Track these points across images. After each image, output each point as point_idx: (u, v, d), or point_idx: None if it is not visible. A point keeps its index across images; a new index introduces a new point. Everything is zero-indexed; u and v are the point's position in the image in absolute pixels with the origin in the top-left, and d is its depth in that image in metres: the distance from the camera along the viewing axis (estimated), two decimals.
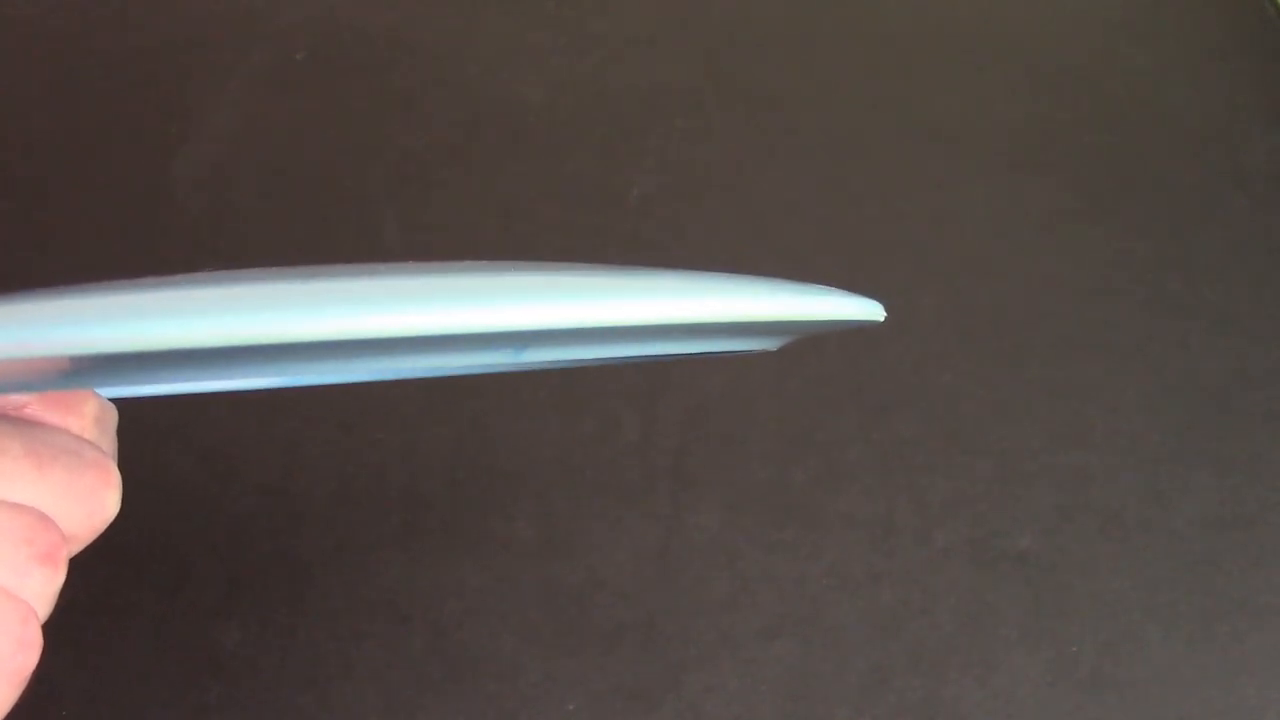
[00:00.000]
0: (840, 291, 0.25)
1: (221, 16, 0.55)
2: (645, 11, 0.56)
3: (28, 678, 0.22)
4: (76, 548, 0.24)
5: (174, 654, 0.38)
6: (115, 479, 0.24)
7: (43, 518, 0.22)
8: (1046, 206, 0.49)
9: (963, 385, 0.44)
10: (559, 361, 0.26)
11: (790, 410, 0.43)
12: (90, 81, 0.52)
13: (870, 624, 0.39)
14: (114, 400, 0.26)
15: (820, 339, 0.44)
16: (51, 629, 0.23)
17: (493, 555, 0.40)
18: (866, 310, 0.26)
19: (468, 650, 0.38)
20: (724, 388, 0.44)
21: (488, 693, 0.37)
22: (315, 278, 0.20)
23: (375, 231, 0.48)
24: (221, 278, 0.20)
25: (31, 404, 0.23)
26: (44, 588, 0.22)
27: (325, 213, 0.48)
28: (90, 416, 0.24)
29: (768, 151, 0.51)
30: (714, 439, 0.43)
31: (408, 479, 0.41)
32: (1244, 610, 0.39)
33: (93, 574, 0.38)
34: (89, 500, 0.23)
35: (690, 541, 0.40)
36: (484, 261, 0.23)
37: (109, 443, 0.25)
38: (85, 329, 0.19)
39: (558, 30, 0.55)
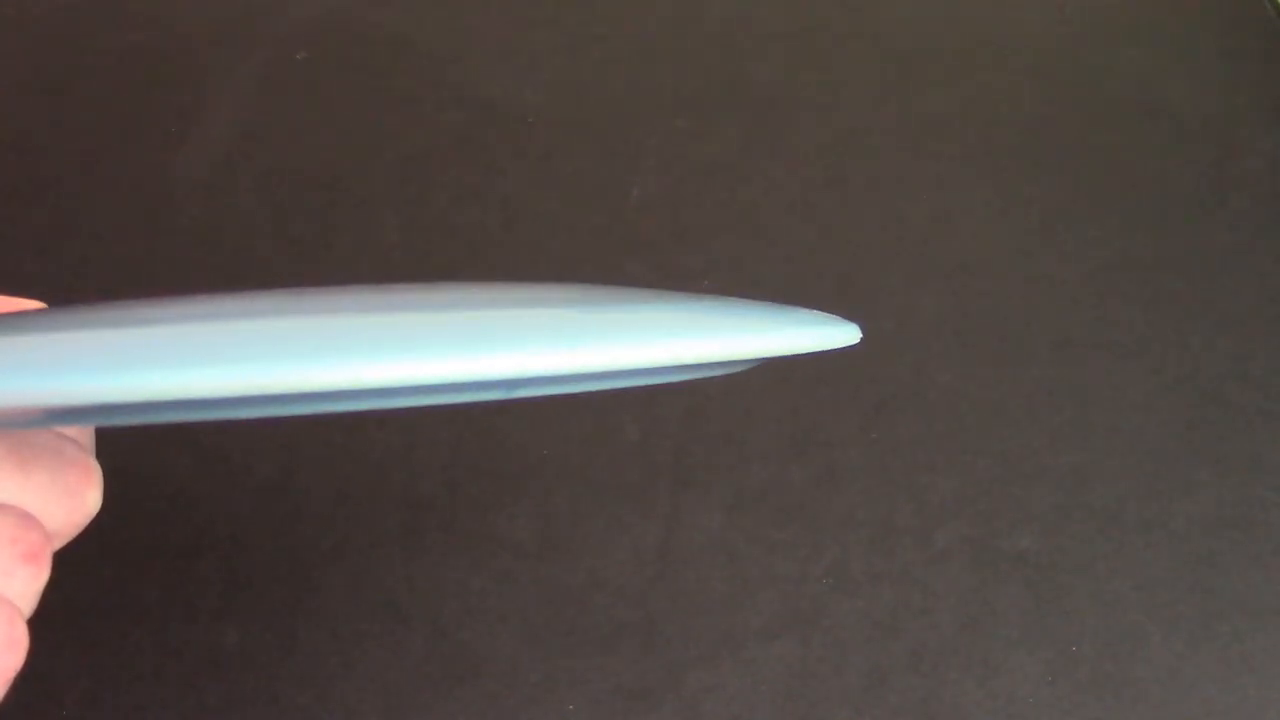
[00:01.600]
0: (815, 319, 0.25)
1: (221, 16, 0.55)
2: (645, 11, 0.56)
3: (13, 677, 0.22)
4: (58, 544, 0.24)
5: (174, 654, 0.38)
6: (96, 476, 0.24)
7: (26, 517, 0.22)
8: (1046, 206, 0.49)
9: (963, 385, 0.44)
10: (541, 397, 0.26)
11: (790, 410, 0.43)
12: (90, 81, 0.52)
13: (870, 624, 0.39)
14: None
15: None
16: (52, 629, 0.23)
17: (493, 555, 0.40)
18: (840, 337, 0.25)
19: (468, 650, 0.38)
20: (724, 388, 0.44)
21: (488, 693, 0.37)
22: (297, 314, 0.20)
23: (375, 231, 0.48)
24: (201, 313, 0.20)
25: None
26: (28, 586, 0.22)
27: (325, 213, 0.48)
28: None
29: (768, 151, 0.51)
30: (714, 439, 0.42)
31: (408, 479, 0.41)
32: (1244, 610, 0.39)
33: (93, 574, 0.39)
34: (71, 498, 0.23)
35: (690, 541, 0.40)
36: (456, 288, 0.23)
37: (88, 439, 0.25)
38: (63, 379, 0.18)
39: (558, 30, 0.55)
